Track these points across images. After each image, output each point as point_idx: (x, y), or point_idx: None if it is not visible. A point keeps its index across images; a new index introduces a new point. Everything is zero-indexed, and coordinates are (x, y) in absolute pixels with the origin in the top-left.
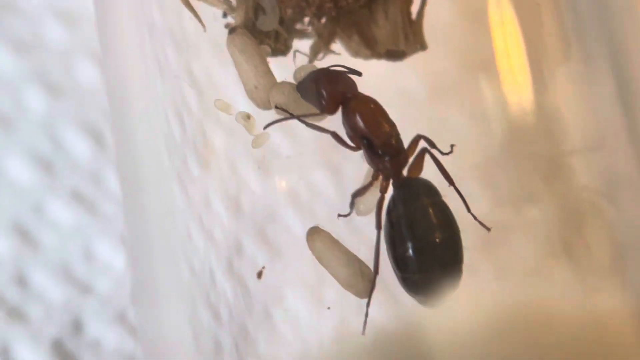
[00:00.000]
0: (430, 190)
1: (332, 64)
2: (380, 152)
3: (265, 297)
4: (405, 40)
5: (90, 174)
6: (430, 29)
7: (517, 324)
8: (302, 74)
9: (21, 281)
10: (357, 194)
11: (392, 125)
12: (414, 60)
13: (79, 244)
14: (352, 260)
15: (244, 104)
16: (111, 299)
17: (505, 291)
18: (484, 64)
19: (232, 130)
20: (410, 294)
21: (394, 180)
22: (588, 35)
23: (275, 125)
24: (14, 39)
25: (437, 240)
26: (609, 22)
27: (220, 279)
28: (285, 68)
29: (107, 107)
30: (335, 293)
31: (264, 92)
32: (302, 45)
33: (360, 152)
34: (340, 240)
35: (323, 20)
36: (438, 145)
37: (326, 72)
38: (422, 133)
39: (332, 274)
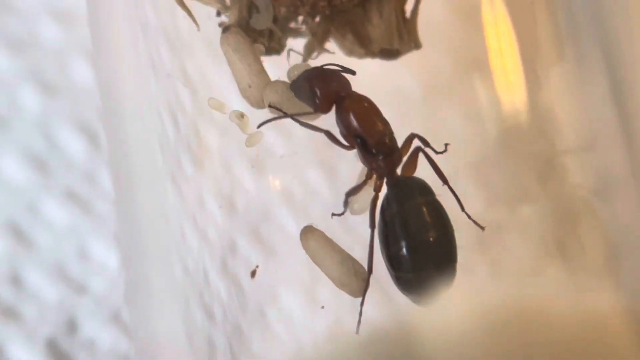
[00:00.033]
0: (424, 189)
1: (326, 62)
2: (374, 151)
3: (259, 296)
4: (399, 39)
5: (85, 174)
6: (424, 28)
7: (511, 323)
8: (296, 73)
9: (15, 281)
10: (351, 193)
11: (386, 124)
12: (408, 59)
13: (74, 243)
14: (346, 259)
15: (238, 103)
16: (106, 299)
17: (499, 290)
18: (478, 63)
19: (226, 129)
20: (404, 293)
21: (387, 179)
22: (581, 35)
23: (269, 124)
24: (8, 38)
25: (431, 239)
26: (602, 22)
27: (214, 278)
28: (279, 67)
29: (101, 106)
30: (329, 292)
31: (258, 91)
32: (296, 44)
33: (354, 151)
34: (334, 239)
35: (317, 19)
36: (432, 144)
37: (320, 71)
38: (416, 132)
39: (326, 273)
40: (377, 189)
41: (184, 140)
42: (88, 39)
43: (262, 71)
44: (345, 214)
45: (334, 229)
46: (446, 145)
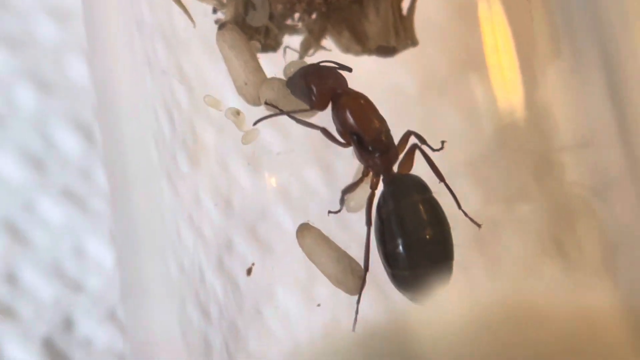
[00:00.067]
0: (420, 186)
1: (323, 60)
2: (370, 148)
3: (256, 294)
4: (396, 36)
5: (81, 172)
6: (421, 25)
7: (508, 321)
8: (292, 70)
9: (11, 279)
10: (347, 190)
11: (382, 121)
12: (405, 57)
13: (70, 241)
14: (342, 256)
15: (234, 100)
16: (102, 297)
17: (496, 288)
18: (475, 60)
19: (222, 126)
20: (400, 291)
21: (384, 176)
22: (578, 32)
23: (266, 121)
24: (4, 36)
25: (428, 236)
26: (599, 19)
27: (210, 276)
28: (275, 64)
29: (96, 103)
30: (325, 290)
31: (254, 88)
32: (293, 41)
33: (351, 149)
34: (331, 237)
35: (313, 16)
36: (429, 142)
37: (316, 68)
38: (412, 129)
39: (322, 271)
40: (374, 187)
41: (179, 137)
42: (84, 36)
43: (258, 68)
44: (342, 211)
45: (331, 227)
46: (443, 142)
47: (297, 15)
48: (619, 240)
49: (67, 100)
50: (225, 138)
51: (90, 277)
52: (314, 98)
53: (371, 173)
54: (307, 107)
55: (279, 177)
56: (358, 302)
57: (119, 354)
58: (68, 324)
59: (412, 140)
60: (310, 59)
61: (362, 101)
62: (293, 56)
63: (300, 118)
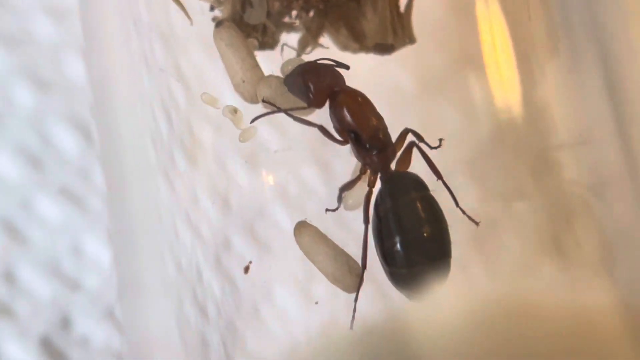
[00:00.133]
0: (418, 184)
1: (320, 57)
2: (367, 145)
3: (253, 293)
4: (393, 34)
5: (78, 170)
6: (418, 23)
7: (506, 319)
8: (290, 68)
9: (9, 277)
10: (345, 188)
11: (380, 118)
12: (403, 54)
13: (68, 240)
14: (340, 254)
15: (231, 98)
16: (100, 296)
17: (493, 286)
18: (473, 58)
19: (219, 124)
20: (398, 289)
21: (381, 174)
22: (576, 30)
23: (263, 119)
24: (2, 34)
25: (425, 234)
26: (596, 17)
27: (207, 275)
28: (272, 61)
29: (93, 101)
30: (323, 288)
31: (252, 85)
32: (290, 38)
33: (348, 146)
34: (328, 235)
35: (311, 13)
36: (426, 139)
37: (314, 66)
38: (410, 127)
39: (320, 269)
40: (371, 184)
41: (177, 136)
42: (82, 35)
43: (256, 66)
44: (339, 209)
45: (328, 225)
46: (440, 140)
47: (294, 12)
48: (617, 239)
49: (65, 98)
50: (222, 136)
51: (87, 276)
52: (311, 96)
53: (369, 171)
54: (304, 104)
55: (277, 175)
56: (356, 300)
57: (117, 353)
58: (65, 323)
59: (410, 138)
60: (308, 57)
61: (359, 99)
62: (290, 54)
63: (298, 116)
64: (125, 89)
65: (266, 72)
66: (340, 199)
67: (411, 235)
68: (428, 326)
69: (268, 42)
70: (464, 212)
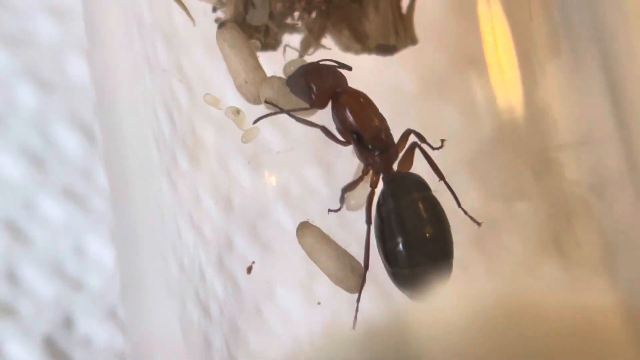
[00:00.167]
0: (420, 184)
1: (322, 58)
2: (370, 146)
3: (256, 293)
4: (395, 35)
5: (81, 170)
6: (420, 24)
7: (507, 319)
8: (292, 69)
9: (12, 278)
10: (347, 188)
11: (382, 119)
12: (405, 55)
13: (70, 240)
14: (342, 255)
15: (234, 99)
16: (102, 296)
17: (495, 286)
18: (474, 59)
19: (222, 125)
20: (400, 289)
21: (384, 174)
22: (577, 31)
23: (266, 120)
24: (4, 35)
25: (427, 234)
26: (598, 17)
27: (210, 275)
28: (275, 63)
29: (96, 102)
30: (325, 288)
31: (254, 86)
32: (292, 39)
33: (351, 147)
34: (331, 235)
35: (313, 14)
36: (428, 140)
37: (316, 67)
38: (412, 127)
39: (323, 269)
40: (374, 185)
41: (179, 136)
42: (84, 35)
43: (258, 67)
44: (342, 209)
45: (331, 225)
46: (442, 141)
47: (296, 14)
48: (617, 239)
49: (67, 99)
50: (225, 137)
51: (90, 276)
52: (313, 96)
53: (371, 171)
54: (307, 105)
55: (279, 176)
56: (358, 300)
57: (119, 353)
58: (68, 323)
59: (412, 138)
60: (310, 58)
61: (361, 100)
62: (293, 55)
63: (300, 117)
64: (127, 89)
65: (269, 73)
66: (342, 199)
67: (413, 235)
68: (430, 326)
69: (270, 43)
70: (465, 213)
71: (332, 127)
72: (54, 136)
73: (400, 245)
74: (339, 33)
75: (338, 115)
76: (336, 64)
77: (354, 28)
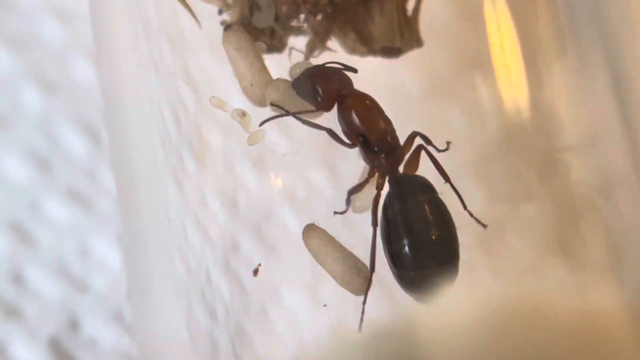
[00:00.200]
0: (426, 187)
1: (328, 61)
2: (376, 149)
3: (262, 295)
4: (401, 37)
5: (86, 172)
6: (426, 25)
7: (513, 321)
8: (298, 71)
9: (17, 279)
10: (353, 191)
11: (388, 122)
12: (410, 57)
13: (75, 241)
14: (348, 257)
15: (240, 101)
16: (108, 297)
17: (501, 288)
18: (480, 60)
19: (228, 127)
20: (406, 291)
21: (390, 177)
22: (583, 32)
23: (271, 122)
24: (9, 36)
25: (433, 237)
26: (604, 19)
27: (216, 277)
28: (280, 65)
29: (102, 104)
30: (331, 290)
31: (260, 89)
32: (298, 42)
33: (356, 150)
34: (337, 238)
35: (319, 17)
36: (434, 142)
37: (322, 69)
38: (418, 130)
39: (328, 272)
40: (379, 187)
41: (185, 138)
42: (89, 37)
43: (264, 69)
44: (348, 212)
45: (336, 227)
46: (448, 143)
47: (302, 16)
48: (624, 240)
49: (72, 100)
50: (231, 139)
51: (95, 277)
52: (319, 99)
53: (377, 174)
54: (312, 108)
55: (285, 178)
56: (364, 302)
57: (125, 354)
58: (74, 324)
59: (418, 140)
60: (316, 60)
61: (367, 102)
62: (298, 57)
63: (306, 119)
64: (134, 91)
65: (274, 76)
66: (348, 201)
67: (419, 238)
68: (436, 329)
69: (276, 46)
70: (471, 215)
71: (338, 130)
72: (59, 137)
73: (406, 248)
74: (345, 35)
75: (344, 118)
76: (342, 67)
77: (360, 30)
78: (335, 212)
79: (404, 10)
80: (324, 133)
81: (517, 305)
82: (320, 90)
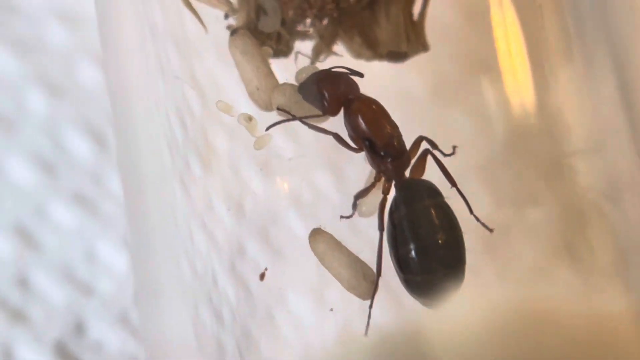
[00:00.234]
0: (432, 191)
1: (334, 65)
2: (382, 153)
3: (268, 299)
4: (407, 41)
5: (92, 176)
6: (432, 30)
7: (520, 325)
8: (304, 76)
9: (23, 283)
10: (360, 195)
11: (394, 126)
12: (416, 62)
13: (81, 245)
14: (355, 261)
15: (246, 106)
16: (113, 301)
17: (507, 292)
18: (486, 65)
19: (234, 131)
20: (412, 296)
21: (396, 181)
22: (589, 36)
23: (278, 127)
24: (15, 40)
25: (440, 241)
26: (610, 23)
27: (222, 281)
28: (287, 69)
29: (109, 108)
30: (337, 295)
31: (266, 93)
32: (304, 46)
33: (363, 154)
34: (343, 242)
35: (325, 21)
36: (440, 147)
37: (328, 74)
38: (424, 134)
39: (335, 276)
40: (386, 192)
41: (192, 142)
42: (95, 41)
43: (270, 74)
44: (354, 216)
45: (343, 232)
46: (454, 147)
47: (308, 20)
48: (630, 244)
49: (78, 104)
50: (237, 143)
51: (101, 281)
52: (325, 103)
53: (383, 178)
54: (319, 112)
55: (291, 182)
56: (370, 306)
57: (131, 358)
58: (79, 328)
59: (424, 145)
60: (322, 65)
61: (374, 106)
62: (305, 62)
63: (312, 123)
64: (141, 95)
65: (280, 80)
66: (354, 206)
67: (426, 242)
68: (442, 333)
69: (282, 50)
70: (477, 219)
71: (344, 134)
72: (65, 141)
73: (413, 252)
74: (351, 40)
75: (350, 122)
76: (348, 71)
77: (366, 35)
78: (342, 217)
79: (410, 14)
80: (330, 137)
81: (524, 310)
82: (326, 95)
